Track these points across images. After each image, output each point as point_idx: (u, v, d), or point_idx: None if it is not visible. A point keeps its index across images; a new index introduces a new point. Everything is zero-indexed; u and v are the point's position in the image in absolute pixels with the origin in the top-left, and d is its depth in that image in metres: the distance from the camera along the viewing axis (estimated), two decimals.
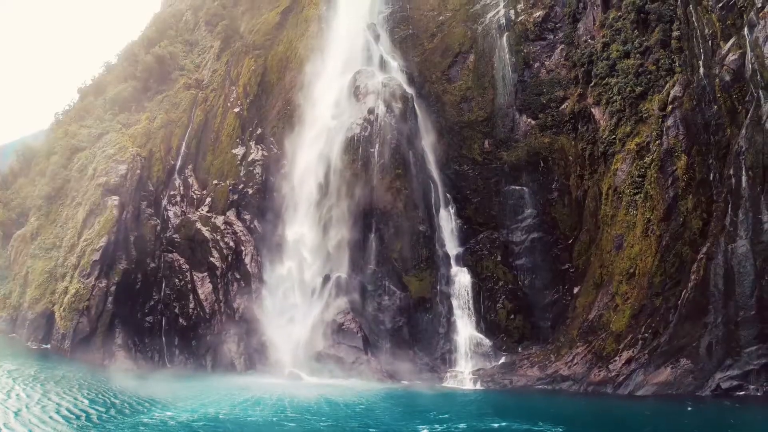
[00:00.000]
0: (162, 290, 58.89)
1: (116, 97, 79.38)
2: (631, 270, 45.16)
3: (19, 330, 65.71)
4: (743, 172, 39.40)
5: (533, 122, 59.26)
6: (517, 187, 57.92)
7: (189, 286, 58.66)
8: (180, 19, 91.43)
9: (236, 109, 68.32)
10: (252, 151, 65.07)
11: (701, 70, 44.87)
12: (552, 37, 62.03)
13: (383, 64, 64.00)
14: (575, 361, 46.07)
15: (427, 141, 60.57)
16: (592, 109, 55.02)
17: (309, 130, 63.37)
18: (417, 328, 52.57)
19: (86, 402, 39.04)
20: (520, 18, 63.47)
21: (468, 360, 51.18)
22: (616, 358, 43.41)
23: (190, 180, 66.62)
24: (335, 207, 57.43)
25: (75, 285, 57.47)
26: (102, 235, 58.52)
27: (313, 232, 58.29)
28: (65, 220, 68.57)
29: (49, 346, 59.66)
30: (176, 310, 57.50)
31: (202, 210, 63.12)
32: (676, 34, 49.32)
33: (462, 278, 54.47)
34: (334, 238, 56.67)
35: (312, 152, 61.46)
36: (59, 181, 73.89)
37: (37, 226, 72.17)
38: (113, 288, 56.47)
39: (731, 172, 40.32)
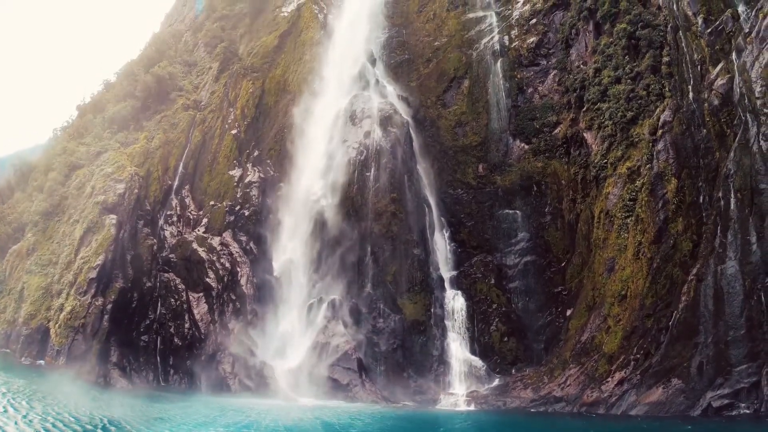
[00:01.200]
0: (157, 310, 58.79)
1: (115, 115, 79.67)
2: (623, 292, 45.76)
3: (13, 345, 65.43)
4: (732, 195, 40.12)
5: (526, 147, 60.27)
6: (510, 211, 58.76)
7: (184, 306, 58.67)
8: (179, 40, 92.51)
9: (234, 131, 68.91)
10: (249, 172, 65.60)
11: (690, 94, 45.95)
12: (545, 62, 63.26)
13: (380, 89, 65.12)
14: (568, 382, 46.47)
15: (423, 165, 61.46)
16: (585, 134, 56.06)
17: (306, 153, 64.00)
18: (411, 351, 52.86)
19: (78, 419, 38.72)
20: (513, 44, 64.77)
21: (462, 382, 51.47)
22: (609, 379, 43.80)
23: (187, 200, 66.99)
24: (331, 230, 57.90)
25: (71, 302, 57.37)
26: (99, 254, 58.41)
27: (309, 255, 58.69)
28: (62, 237, 68.54)
29: (43, 362, 59.29)
30: (171, 330, 57.39)
31: (199, 230, 63.42)
32: (666, 59, 50.57)
33: (456, 301, 55.08)
34: (330, 260, 57.05)
35: (308, 175, 62.06)
36: (57, 198, 73.70)
37: (34, 241, 72.00)
38: (109, 306, 56.21)
39: (720, 194, 41.07)
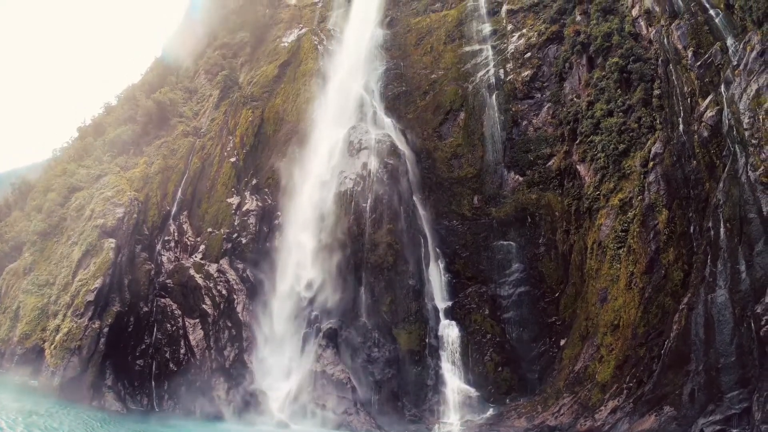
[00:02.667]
0: (153, 334, 58.97)
1: (115, 139, 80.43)
2: (616, 322, 46.16)
3: (7, 364, 65.17)
4: (721, 224, 40.59)
5: (521, 179, 61.05)
6: (505, 242, 59.27)
7: (180, 331, 58.87)
8: (181, 66, 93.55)
9: (232, 159, 69.68)
10: (247, 201, 66.24)
11: (681, 126, 46.83)
12: (539, 95, 64.18)
13: (377, 120, 66.01)
14: (562, 411, 46.67)
15: (418, 196, 62.09)
16: (578, 166, 56.90)
17: (303, 182, 64.64)
18: (406, 380, 53.01)
19: None
20: (509, 77, 65.79)
21: (456, 412, 51.51)
22: (602, 407, 44.00)
23: (185, 226, 67.52)
24: (327, 259, 58.32)
25: (68, 324, 57.47)
26: (97, 277, 58.72)
27: (305, 283, 59.04)
28: (60, 259, 68.74)
29: (36, 382, 59.13)
30: (167, 355, 57.52)
31: (196, 257, 63.85)
32: (657, 92, 51.48)
33: (450, 331, 55.32)
34: (326, 289, 57.45)
35: (305, 205, 62.61)
36: (55, 219, 73.94)
37: (31, 261, 72.07)
38: (106, 330, 56.35)
39: (710, 224, 41.60)
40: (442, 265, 59.84)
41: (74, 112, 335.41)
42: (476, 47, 71.14)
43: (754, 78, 40.99)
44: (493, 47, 69.90)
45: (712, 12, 48.72)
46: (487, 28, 72.28)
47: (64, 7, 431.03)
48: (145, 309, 59.97)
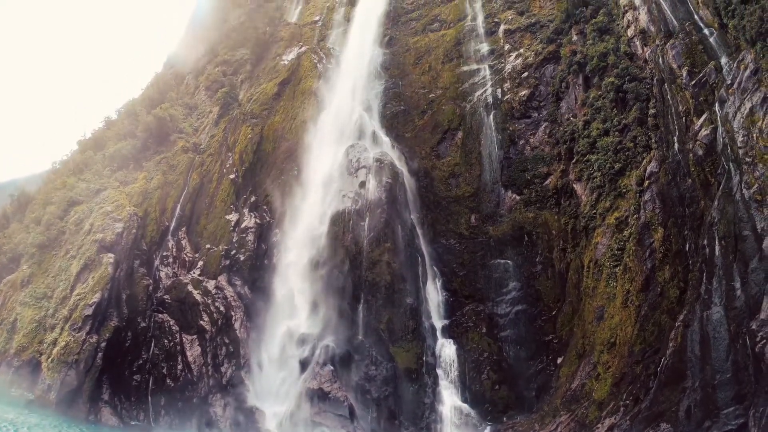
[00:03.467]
0: (151, 350, 59.12)
1: (115, 154, 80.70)
2: (612, 339, 46.36)
3: (3, 376, 64.87)
4: (716, 242, 40.90)
5: (518, 197, 61.50)
6: (502, 261, 59.55)
7: (178, 347, 59.00)
8: (181, 82, 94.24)
9: (231, 176, 70.04)
10: (245, 218, 66.43)
11: (676, 145, 47.35)
12: (536, 115, 64.88)
13: (375, 139, 66.62)
14: (559, 429, 46.68)
15: (416, 215, 62.50)
16: (574, 185, 57.37)
17: (301, 201, 65.10)
18: (403, 398, 52.97)
19: None
20: (506, 96, 66.53)
21: (453, 430, 51.48)
22: (599, 425, 43.96)
23: (183, 242, 67.73)
24: (325, 277, 58.50)
25: (65, 338, 57.49)
26: (96, 291, 58.88)
27: (303, 301, 59.22)
28: (58, 272, 68.59)
29: (32, 395, 58.94)
30: (164, 371, 57.63)
31: (194, 273, 64.00)
32: (652, 111, 52.12)
33: (448, 350, 55.54)
34: (323, 307, 57.58)
35: (304, 223, 63.04)
36: (54, 232, 73.67)
37: (29, 273, 71.80)
38: (104, 344, 56.45)
39: (705, 242, 41.87)
40: (439, 284, 60.19)
41: (73, 124, 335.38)
42: (474, 67, 72.10)
43: (748, 96, 41.75)
44: (491, 67, 70.83)
45: (706, 31, 49.62)
46: (484, 48, 73.32)
47: (66, 17, 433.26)
48: (143, 324, 60.07)
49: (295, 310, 59.38)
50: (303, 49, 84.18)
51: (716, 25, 48.38)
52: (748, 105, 41.52)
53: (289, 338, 58.10)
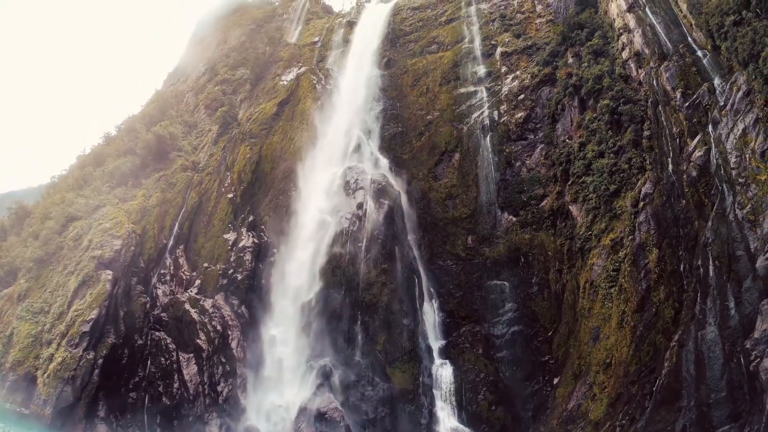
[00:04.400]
0: (147, 368, 59.07)
1: (115, 170, 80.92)
2: (608, 360, 46.55)
3: None
4: (710, 262, 41.06)
5: (514, 219, 61.85)
6: (498, 282, 59.86)
7: (174, 365, 58.94)
8: (181, 100, 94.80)
9: (230, 195, 70.42)
10: (243, 237, 66.65)
11: (670, 166, 47.76)
12: (533, 137, 65.39)
13: (373, 160, 67.32)
14: None
15: (413, 236, 63.01)
16: (570, 207, 57.77)
17: (299, 221, 65.39)
18: (399, 419, 53.12)
19: None
20: (503, 119, 67.05)
21: None
22: None
23: (181, 260, 67.89)
24: (322, 298, 58.67)
25: (62, 353, 57.45)
26: (93, 308, 58.94)
27: (300, 322, 59.28)
28: (55, 287, 68.50)
29: (27, 410, 58.70)
30: (160, 389, 57.57)
31: (191, 291, 64.13)
32: (646, 133, 52.64)
33: (444, 370, 55.71)
34: (320, 328, 57.67)
35: (301, 243, 63.36)
36: (52, 247, 73.67)
37: (26, 288, 71.60)
38: (100, 361, 56.50)
39: (699, 262, 42.07)
40: (436, 305, 60.49)
41: (71, 138, 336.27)
42: (471, 89, 72.84)
43: (741, 117, 42.11)
44: (488, 89, 71.55)
45: (699, 53, 50.39)
46: (481, 70, 74.10)
47: (67, 29, 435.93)
48: (140, 342, 60.02)
49: (293, 331, 59.40)
50: (302, 69, 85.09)
51: (709, 47, 49.11)
52: (740, 126, 41.90)
53: (286, 358, 58.25)
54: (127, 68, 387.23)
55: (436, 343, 58.16)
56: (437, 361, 56.56)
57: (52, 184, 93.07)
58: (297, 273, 62.08)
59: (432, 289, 61.30)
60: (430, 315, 59.63)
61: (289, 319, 60.08)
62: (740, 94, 42.95)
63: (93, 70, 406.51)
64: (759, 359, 36.24)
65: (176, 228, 70.03)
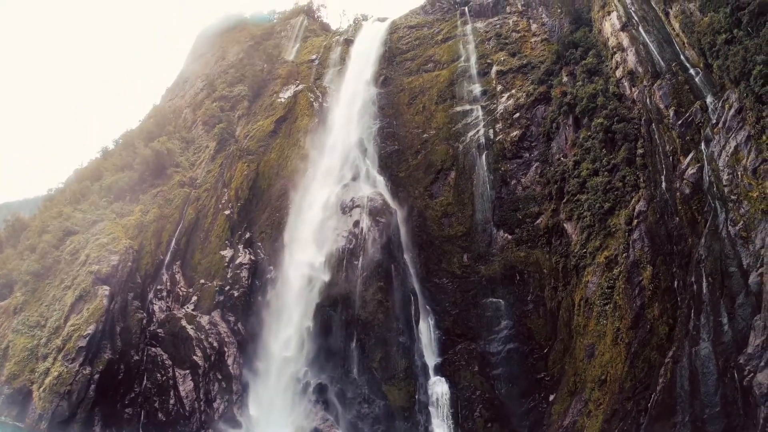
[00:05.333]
0: (143, 383, 59.02)
1: (112, 185, 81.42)
2: (603, 377, 46.68)
3: None
4: (704, 279, 41.41)
5: (510, 237, 61.99)
6: (494, 300, 59.94)
7: (170, 382, 58.87)
8: (179, 116, 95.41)
9: (227, 212, 70.68)
10: (240, 254, 66.91)
11: (663, 184, 48.18)
12: (528, 155, 65.60)
13: (370, 178, 67.63)
14: None
15: (409, 254, 63.10)
16: (565, 224, 58.04)
17: (296, 238, 65.63)
18: None
19: None
20: (498, 137, 67.34)
21: None
22: None
23: (177, 276, 68.02)
24: (318, 315, 58.82)
25: (58, 368, 57.47)
26: (90, 323, 59.05)
27: (296, 339, 59.44)
28: (52, 301, 68.45)
29: (23, 424, 58.44)
30: (156, 405, 57.50)
31: (188, 308, 64.25)
32: (640, 151, 53.08)
33: (440, 388, 55.63)
34: (317, 345, 57.83)
35: (297, 261, 63.56)
36: (49, 261, 73.77)
37: (23, 301, 71.43)
38: (97, 376, 56.54)
39: (693, 279, 42.41)
40: (432, 322, 60.60)
41: (68, 149, 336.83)
42: (467, 107, 73.29)
43: (733, 135, 42.60)
44: (483, 107, 71.96)
45: (692, 71, 50.97)
46: (477, 89, 74.67)
47: (60, 40, 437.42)
48: (136, 357, 60.02)
49: (289, 348, 59.51)
50: (300, 87, 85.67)
51: (702, 65, 49.60)
52: (732, 143, 42.38)
53: (282, 375, 58.28)
54: (125, 81, 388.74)
55: (432, 360, 58.15)
56: (433, 378, 56.56)
57: (49, 197, 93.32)
58: (293, 290, 62.21)
59: (428, 307, 61.42)
60: (426, 332, 59.69)
61: (285, 337, 60.18)
62: (732, 111, 43.54)
63: (90, 81, 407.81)
64: (752, 374, 36.75)
65: (173, 244, 70.25)
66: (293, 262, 64.05)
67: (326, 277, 60.20)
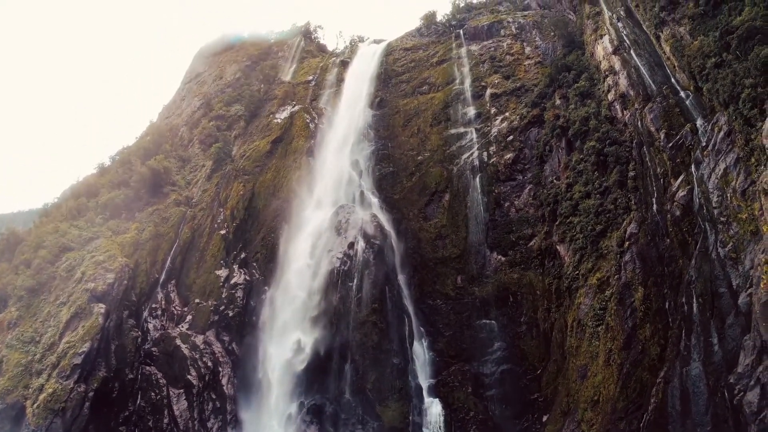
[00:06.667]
0: (137, 402, 59.07)
1: (108, 202, 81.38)
2: (596, 397, 46.74)
3: None
4: (694, 300, 41.83)
5: (503, 259, 62.43)
6: (487, 321, 60.14)
7: (165, 401, 58.91)
8: (176, 134, 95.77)
9: (222, 231, 70.95)
10: (235, 274, 66.98)
11: (654, 206, 48.81)
12: (521, 177, 66.32)
13: (364, 200, 68.12)
14: None
15: (403, 276, 63.38)
16: (558, 246, 58.52)
17: (291, 259, 65.72)
18: None
19: None
20: (492, 159, 68.11)
21: None
22: None
23: (172, 295, 68.08)
24: (313, 336, 58.94)
25: (52, 385, 57.18)
26: (86, 341, 58.97)
27: (291, 360, 59.20)
28: (47, 317, 67.98)
29: None
30: (150, 424, 57.50)
31: (182, 327, 64.26)
32: (632, 174, 53.78)
33: (434, 409, 55.62)
34: (311, 366, 57.68)
35: (293, 281, 63.64)
36: (45, 277, 73.14)
37: (17, 316, 70.83)
38: (91, 394, 56.38)
39: (684, 300, 42.84)
40: (426, 344, 60.69)
41: (62, 163, 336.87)
42: (461, 130, 74.16)
43: (722, 157, 43.26)
44: (477, 130, 72.78)
45: (682, 94, 51.82)
46: (471, 111, 75.57)
47: (57, 50, 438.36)
48: (131, 376, 60.01)
49: (283, 368, 59.26)
50: (296, 108, 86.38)
51: (692, 88, 50.34)
52: (722, 166, 43.01)
53: (276, 396, 58.11)
54: (121, 96, 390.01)
55: (425, 381, 58.12)
56: (427, 399, 56.49)
57: (45, 212, 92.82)
58: (288, 311, 62.31)
59: (422, 328, 61.62)
60: (420, 354, 59.76)
61: (280, 358, 60.02)
62: (722, 134, 44.24)
63: (86, 95, 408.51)
64: (743, 393, 37.04)
65: (168, 263, 70.40)
66: (288, 283, 64.13)
67: (321, 298, 60.38)
